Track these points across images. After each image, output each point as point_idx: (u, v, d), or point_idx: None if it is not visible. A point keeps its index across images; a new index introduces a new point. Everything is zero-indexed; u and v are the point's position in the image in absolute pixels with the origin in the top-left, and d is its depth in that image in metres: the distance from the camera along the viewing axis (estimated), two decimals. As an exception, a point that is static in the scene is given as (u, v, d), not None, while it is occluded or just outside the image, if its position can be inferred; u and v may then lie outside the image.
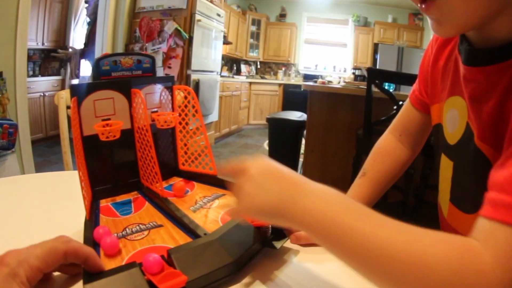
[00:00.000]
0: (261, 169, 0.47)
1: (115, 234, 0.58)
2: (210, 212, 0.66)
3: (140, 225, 0.61)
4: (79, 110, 0.66)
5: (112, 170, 0.74)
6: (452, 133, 0.60)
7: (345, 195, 0.43)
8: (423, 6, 0.46)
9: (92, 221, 0.62)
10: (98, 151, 0.71)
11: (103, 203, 0.71)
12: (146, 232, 0.59)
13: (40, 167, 3.59)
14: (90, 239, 0.54)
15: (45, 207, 0.78)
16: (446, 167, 0.64)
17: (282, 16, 7.87)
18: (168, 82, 0.78)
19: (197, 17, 4.09)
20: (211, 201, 0.70)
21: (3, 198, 0.82)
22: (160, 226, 0.61)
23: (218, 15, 4.85)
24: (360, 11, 7.35)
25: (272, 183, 0.45)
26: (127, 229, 0.60)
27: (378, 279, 0.39)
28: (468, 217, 0.60)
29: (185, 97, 0.77)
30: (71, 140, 1.45)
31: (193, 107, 0.75)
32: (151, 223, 0.62)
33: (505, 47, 0.46)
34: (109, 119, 0.70)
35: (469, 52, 0.53)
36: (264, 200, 0.44)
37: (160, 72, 3.87)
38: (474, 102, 0.53)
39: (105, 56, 0.66)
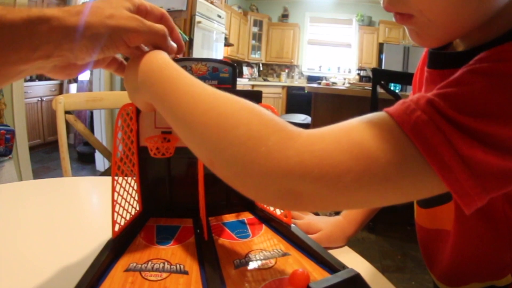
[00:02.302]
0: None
1: (134, 264, 0.52)
2: (254, 275, 0.51)
3: (166, 264, 0.53)
4: (137, 117, 0.63)
5: (168, 188, 0.68)
6: None
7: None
8: (398, 17, 0.46)
9: (118, 244, 0.55)
10: (155, 164, 0.66)
11: (151, 221, 0.66)
12: (164, 275, 0.51)
13: (38, 174, 3.60)
14: (95, 269, 0.48)
15: (44, 215, 0.78)
16: None
17: (285, 16, 7.88)
18: (251, 97, 0.68)
19: (197, 18, 4.10)
20: (266, 259, 0.55)
21: (0, 205, 0.82)
22: (185, 273, 0.51)
23: (219, 16, 4.86)
24: (364, 10, 7.35)
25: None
26: (149, 263, 0.53)
27: (190, 141, 0.41)
28: (424, 211, 0.65)
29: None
30: (69, 145, 1.46)
31: None
32: (177, 266, 0.53)
33: (464, 52, 0.47)
34: (170, 132, 0.64)
35: (433, 55, 0.54)
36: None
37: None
38: None
39: (173, 60, 0.61)
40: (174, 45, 0.52)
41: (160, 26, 0.48)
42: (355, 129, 0.37)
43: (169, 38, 0.50)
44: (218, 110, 0.39)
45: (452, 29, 0.44)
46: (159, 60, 0.46)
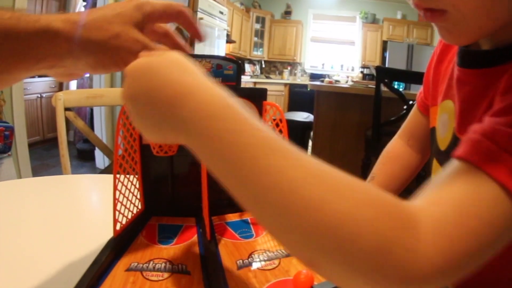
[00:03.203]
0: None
1: (135, 264, 0.53)
2: (257, 276, 0.51)
3: (167, 264, 0.53)
4: None
5: (171, 187, 0.68)
6: (443, 138, 0.61)
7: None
8: (428, 14, 0.44)
9: (119, 243, 0.56)
10: (157, 163, 0.66)
11: (153, 220, 0.66)
12: (166, 275, 0.51)
13: (37, 171, 3.60)
14: (95, 268, 0.48)
15: (43, 213, 0.78)
16: (436, 173, 0.64)
17: (287, 13, 7.88)
18: (256, 95, 0.65)
19: (199, 15, 4.10)
20: (269, 260, 0.55)
21: (-1, 203, 0.82)
22: (187, 273, 0.51)
23: (221, 12, 4.85)
24: (368, 8, 7.34)
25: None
26: (150, 263, 0.53)
27: (279, 232, 0.31)
28: None
29: (274, 119, 0.63)
30: (69, 143, 1.46)
31: (281, 132, 0.61)
32: (178, 266, 0.53)
33: (504, 49, 0.46)
34: None
35: (466, 54, 0.53)
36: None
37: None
38: (466, 106, 0.53)
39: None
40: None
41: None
42: (468, 207, 0.32)
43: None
44: (327, 201, 0.29)
45: (485, 25, 0.43)
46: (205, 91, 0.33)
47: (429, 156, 0.82)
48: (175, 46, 0.52)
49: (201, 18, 4.14)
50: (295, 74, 7.91)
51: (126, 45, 0.42)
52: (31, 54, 0.39)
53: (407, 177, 0.80)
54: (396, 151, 0.82)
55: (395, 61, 6.37)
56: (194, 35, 0.53)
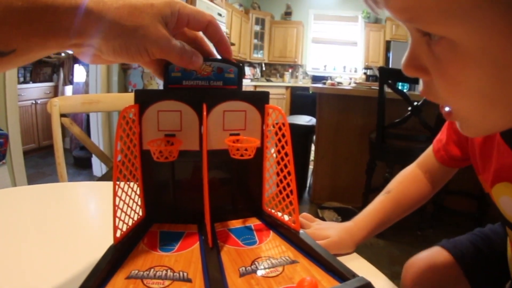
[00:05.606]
0: None
1: (135, 271, 0.53)
2: (260, 284, 0.51)
3: (168, 271, 0.53)
4: (140, 119, 0.63)
5: (172, 193, 0.68)
6: None
7: None
8: (442, 112, 0.44)
9: (119, 250, 0.56)
10: (158, 168, 0.66)
11: (155, 227, 0.66)
12: (167, 283, 0.51)
13: (32, 180, 3.61)
14: (95, 276, 0.48)
15: (40, 221, 0.78)
16: None
17: (288, 14, 7.90)
18: (258, 99, 0.66)
19: (197, 17, 4.10)
20: (273, 267, 0.55)
21: (-5, 212, 0.82)
22: (188, 281, 0.51)
23: (219, 14, 4.87)
24: (371, 7, 7.36)
25: None
26: (151, 270, 0.53)
27: None
28: None
29: (276, 123, 0.63)
30: (65, 150, 1.46)
31: (283, 136, 0.61)
32: (180, 273, 0.53)
33: None
34: (174, 135, 0.64)
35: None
36: None
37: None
38: None
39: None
40: (200, 61, 0.54)
41: (179, 51, 0.50)
42: None
43: (191, 54, 0.52)
44: None
45: (490, 123, 0.41)
46: None
47: (441, 187, 0.86)
48: (202, 50, 0.54)
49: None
50: (296, 77, 7.92)
51: (153, 37, 0.45)
52: (65, 30, 0.41)
53: (419, 199, 0.84)
54: (413, 177, 0.87)
55: (399, 61, 6.22)
56: (222, 51, 0.56)
